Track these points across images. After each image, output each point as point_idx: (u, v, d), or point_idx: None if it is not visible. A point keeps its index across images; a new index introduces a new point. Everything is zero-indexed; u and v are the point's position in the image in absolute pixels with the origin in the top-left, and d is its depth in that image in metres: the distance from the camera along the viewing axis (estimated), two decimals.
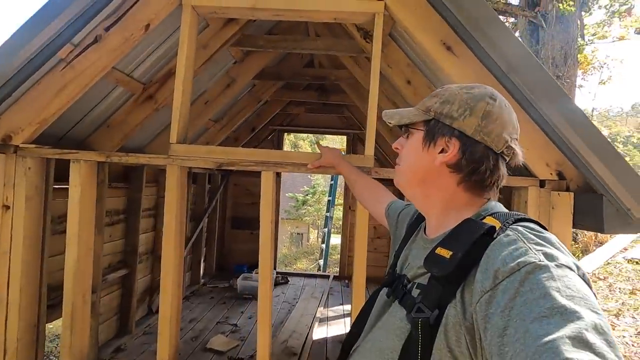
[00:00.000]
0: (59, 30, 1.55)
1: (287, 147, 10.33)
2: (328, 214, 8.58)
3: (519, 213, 0.59)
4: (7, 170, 1.69)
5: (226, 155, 1.69)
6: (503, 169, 0.65)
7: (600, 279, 4.88)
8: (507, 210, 0.63)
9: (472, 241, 0.54)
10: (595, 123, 1.45)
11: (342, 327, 3.59)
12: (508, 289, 0.46)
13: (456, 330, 0.52)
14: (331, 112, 5.14)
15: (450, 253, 0.55)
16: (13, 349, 1.69)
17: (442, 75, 1.76)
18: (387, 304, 0.69)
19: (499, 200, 0.68)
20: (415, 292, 0.61)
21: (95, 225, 1.90)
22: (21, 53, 1.53)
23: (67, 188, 1.74)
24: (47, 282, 1.91)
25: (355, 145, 5.41)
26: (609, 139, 1.44)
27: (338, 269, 5.64)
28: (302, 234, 16.14)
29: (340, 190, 9.67)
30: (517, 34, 6.46)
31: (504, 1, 6.96)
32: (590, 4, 7.17)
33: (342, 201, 5.79)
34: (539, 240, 0.51)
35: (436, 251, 0.57)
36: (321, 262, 8.36)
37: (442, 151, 0.65)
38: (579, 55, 6.42)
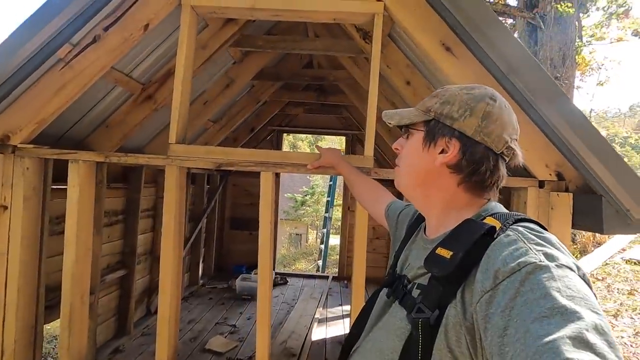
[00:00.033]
0: (57, 30, 1.54)
1: (285, 147, 10.34)
2: (327, 215, 8.58)
3: (519, 213, 0.59)
4: (5, 170, 1.69)
5: (225, 156, 1.69)
6: (503, 170, 0.65)
7: (598, 280, 4.89)
8: (507, 211, 0.63)
9: (473, 241, 0.54)
10: (593, 124, 1.45)
11: (341, 328, 3.59)
12: (508, 289, 0.46)
13: (456, 330, 0.52)
14: (330, 112, 5.14)
15: (451, 253, 0.55)
16: (10, 351, 1.68)
17: (441, 76, 1.77)
18: (388, 305, 0.69)
19: (499, 201, 0.68)
20: (416, 293, 0.61)
21: (93, 226, 1.89)
22: (20, 52, 1.53)
23: (66, 188, 1.73)
24: (45, 283, 1.90)
25: (354, 145, 5.42)
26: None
27: (337, 270, 5.64)
28: (300, 235, 16.13)
29: (339, 191, 9.67)
30: (515, 35, 6.47)
31: (502, 2, 6.98)
32: (588, 5, 7.20)
33: (341, 202, 5.78)
34: (539, 241, 0.51)
35: (436, 251, 0.57)
36: (320, 262, 8.35)
37: (442, 152, 0.65)
38: (577, 57, 6.44)
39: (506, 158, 0.65)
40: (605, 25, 7.63)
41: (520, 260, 0.47)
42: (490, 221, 0.57)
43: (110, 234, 2.89)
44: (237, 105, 3.91)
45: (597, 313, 0.42)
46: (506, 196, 1.74)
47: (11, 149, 1.69)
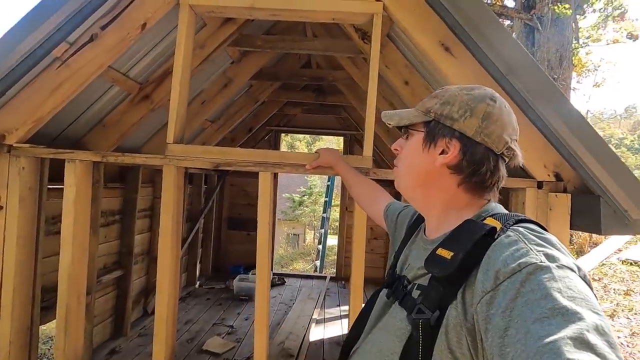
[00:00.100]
0: (54, 29, 1.53)
1: (283, 147, 10.32)
2: (325, 215, 8.58)
3: (519, 214, 0.59)
4: (1, 170, 1.67)
5: (223, 156, 1.68)
6: (503, 170, 0.65)
7: (595, 280, 4.91)
8: (507, 212, 0.63)
9: (473, 242, 0.54)
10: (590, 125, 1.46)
11: (339, 329, 3.59)
12: (509, 289, 0.46)
13: (457, 331, 0.52)
14: (328, 112, 5.14)
15: (451, 254, 0.55)
16: (5, 352, 1.66)
17: (440, 76, 1.77)
18: (387, 305, 0.68)
19: (498, 202, 0.68)
20: (416, 293, 0.61)
21: (90, 226, 1.88)
22: (16, 51, 1.52)
23: (62, 188, 1.72)
24: (41, 284, 1.89)
25: (352, 146, 5.42)
26: None
27: (335, 270, 5.63)
28: (298, 235, 16.11)
29: (337, 191, 9.67)
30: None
31: (500, 3, 7.01)
32: (584, 7, 7.25)
33: (339, 202, 5.78)
34: (539, 241, 0.51)
35: (437, 252, 0.57)
36: (318, 263, 8.35)
37: (442, 152, 0.65)
38: (573, 58, 6.48)
39: (506, 159, 0.65)
40: (602, 27, 7.69)
41: (521, 260, 0.47)
42: (490, 222, 0.57)
43: (107, 234, 2.88)
44: (235, 105, 3.90)
45: (597, 314, 0.42)
46: (504, 197, 1.75)
47: (7, 149, 1.68)
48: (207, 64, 2.58)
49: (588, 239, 6.37)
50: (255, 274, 1.73)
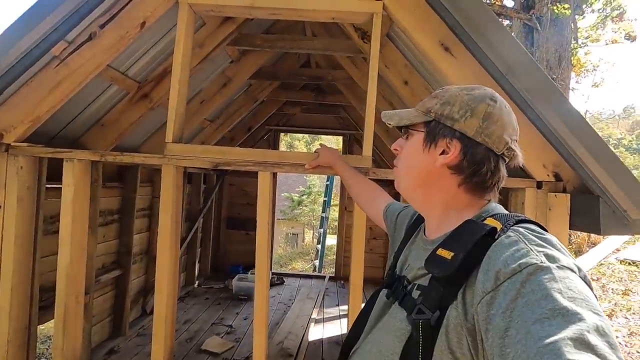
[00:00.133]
0: (52, 27, 1.52)
1: (282, 147, 10.31)
2: (324, 215, 8.59)
3: (519, 214, 0.59)
4: None
5: (223, 155, 1.68)
6: (503, 171, 0.65)
7: (593, 280, 4.92)
8: (507, 212, 0.63)
9: (474, 242, 0.54)
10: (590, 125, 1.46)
11: (338, 328, 3.59)
12: (509, 290, 0.46)
13: (457, 331, 0.52)
14: (327, 112, 5.14)
15: (452, 254, 0.55)
16: (3, 352, 1.66)
17: (440, 76, 1.77)
18: (387, 305, 0.68)
19: (498, 202, 0.68)
20: (416, 294, 0.61)
21: (88, 226, 1.87)
22: (14, 49, 1.51)
23: (60, 187, 1.71)
24: (39, 284, 1.88)
25: (351, 145, 5.42)
26: None
27: (334, 270, 5.63)
28: (297, 235, 16.11)
29: (336, 191, 9.67)
30: None
31: (499, 3, 7.02)
32: (583, 7, 7.26)
33: (338, 202, 5.78)
34: (540, 242, 0.51)
35: (437, 252, 0.57)
36: (317, 262, 8.35)
37: (443, 152, 0.65)
38: (572, 58, 6.49)
39: (506, 159, 0.65)
40: (601, 27, 7.70)
41: (521, 261, 0.47)
42: (490, 222, 0.57)
43: (106, 234, 2.87)
44: (234, 104, 3.89)
45: (598, 314, 0.42)
46: (504, 197, 1.75)
47: (5, 148, 1.67)
48: (206, 63, 2.57)
49: (586, 238, 6.38)
50: (254, 273, 1.73)
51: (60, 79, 1.63)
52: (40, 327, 2.29)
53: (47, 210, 1.99)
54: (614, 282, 4.81)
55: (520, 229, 0.54)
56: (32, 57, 1.54)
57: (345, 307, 4.03)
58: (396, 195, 1.09)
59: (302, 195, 15.44)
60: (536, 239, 0.51)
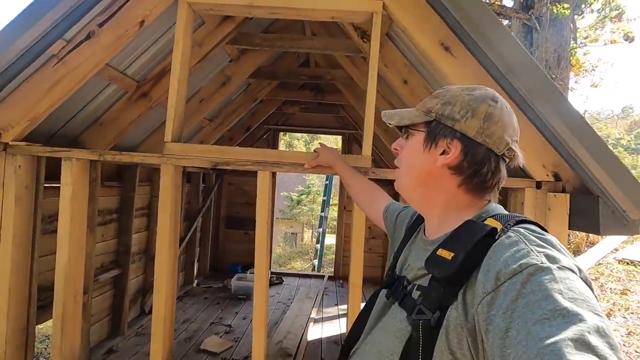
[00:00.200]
0: (51, 26, 1.51)
1: (281, 146, 10.30)
2: (323, 214, 8.59)
3: (519, 215, 0.59)
4: None
5: (222, 155, 1.68)
6: (503, 171, 0.65)
7: (591, 279, 4.93)
8: (507, 212, 0.62)
9: (474, 242, 0.54)
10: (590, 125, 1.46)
11: (337, 328, 3.59)
12: (510, 290, 0.46)
13: (458, 332, 0.52)
14: (326, 111, 5.13)
15: (452, 254, 0.55)
16: (1, 353, 1.65)
17: (440, 75, 1.76)
18: (387, 306, 0.68)
19: (497, 202, 0.68)
20: (416, 294, 0.61)
21: (87, 225, 1.87)
22: (12, 48, 1.50)
23: (59, 187, 1.71)
24: (38, 283, 1.88)
25: (350, 145, 5.42)
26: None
27: (333, 269, 5.63)
28: (296, 234, 16.10)
29: (335, 190, 9.67)
30: None
31: (498, 3, 7.02)
32: (582, 7, 7.27)
33: (337, 201, 5.78)
34: (540, 242, 0.51)
35: (437, 252, 0.57)
36: (316, 262, 8.35)
37: (443, 153, 0.65)
38: (571, 58, 6.50)
39: (507, 159, 0.65)
40: (600, 27, 7.71)
41: (521, 261, 0.47)
42: (491, 222, 0.57)
43: (104, 233, 2.86)
44: (233, 103, 3.89)
45: (598, 315, 0.42)
46: (503, 197, 1.75)
47: (3, 147, 1.66)
48: (205, 62, 2.56)
49: (585, 238, 6.40)
50: (253, 273, 1.72)
51: (59, 77, 1.62)
52: (39, 326, 2.28)
53: (45, 209, 1.98)
54: (612, 282, 4.83)
55: (521, 230, 0.53)
56: (30, 56, 1.53)
57: (345, 306, 4.03)
58: (395, 195, 1.08)
59: (301, 194, 15.43)
60: (536, 240, 0.51)
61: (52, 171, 1.83)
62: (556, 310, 0.41)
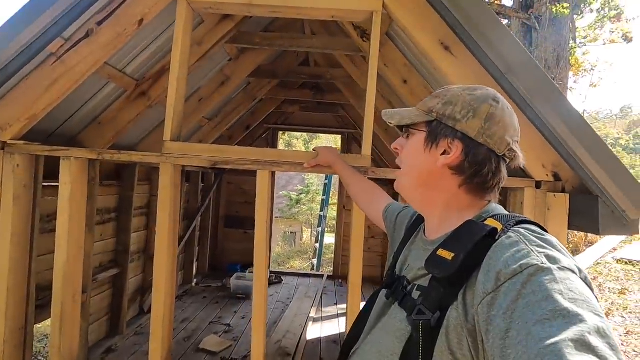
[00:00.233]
0: (49, 24, 1.51)
1: (280, 145, 10.30)
2: (322, 213, 8.59)
3: (519, 215, 0.59)
4: None
5: (221, 154, 1.67)
6: (504, 172, 0.65)
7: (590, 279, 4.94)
8: (508, 213, 0.62)
9: (474, 243, 0.53)
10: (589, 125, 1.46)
11: (336, 327, 3.59)
12: (510, 291, 0.46)
13: (458, 332, 0.52)
14: (326, 111, 5.13)
15: (452, 255, 0.54)
16: None
17: (439, 75, 1.76)
18: (387, 306, 0.68)
19: (497, 202, 0.68)
20: (416, 294, 0.61)
21: (85, 224, 1.86)
22: (10, 46, 1.49)
23: (57, 186, 1.70)
24: (36, 282, 1.87)
25: (349, 144, 5.41)
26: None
27: (332, 269, 5.64)
28: (295, 233, 16.10)
29: (334, 190, 9.68)
30: None
31: (498, 3, 7.02)
32: (582, 7, 7.27)
33: (336, 200, 5.78)
34: (541, 243, 0.51)
35: (438, 253, 0.57)
36: (315, 261, 8.36)
37: (444, 153, 0.64)
38: (570, 58, 6.50)
39: (507, 160, 0.65)
40: (599, 27, 7.71)
41: (522, 262, 0.47)
42: (491, 223, 0.57)
43: (103, 232, 2.86)
44: (233, 102, 3.88)
45: (599, 316, 0.42)
46: (502, 196, 1.75)
47: (1, 145, 1.66)
48: (205, 61, 2.56)
49: (584, 238, 6.42)
50: (252, 272, 1.72)
51: (57, 76, 1.61)
52: (37, 325, 2.28)
53: (43, 208, 1.98)
54: (610, 281, 4.84)
55: (521, 230, 0.53)
56: (29, 54, 1.52)
57: (344, 305, 4.03)
58: (395, 195, 1.08)
59: (301, 193, 15.43)
60: (537, 240, 0.51)
61: (51, 170, 1.83)
62: (557, 311, 0.41)
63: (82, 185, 1.76)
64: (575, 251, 6.27)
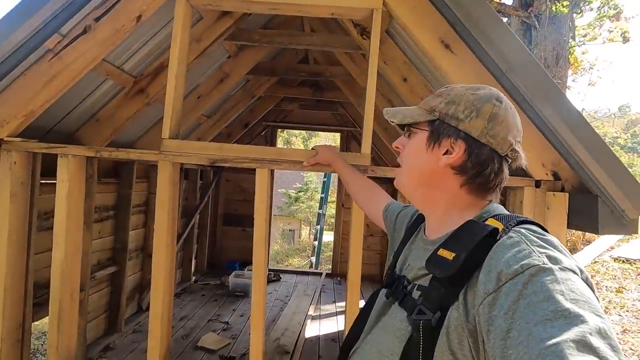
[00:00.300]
0: (46, 20, 1.49)
1: (279, 143, 10.28)
2: (320, 211, 8.60)
3: (520, 215, 0.59)
4: None
5: (220, 152, 1.66)
6: (506, 172, 0.65)
7: None
8: (508, 212, 0.62)
9: (475, 243, 0.53)
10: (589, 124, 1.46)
11: (334, 325, 3.60)
12: (511, 291, 0.46)
13: (458, 332, 0.51)
14: (325, 109, 5.12)
15: (453, 255, 0.54)
16: None
17: (440, 73, 1.75)
18: (387, 305, 0.68)
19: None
20: (416, 294, 0.60)
21: (83, 222, 1.85)
22: (6, 42, 1.48)
23: (55, 183, 1.69)
24: (34, 280, 1.86)
25: (349, 142, 5.41)
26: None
27: (330, 267, 5.64)
28: (294, 231, 16.11)
29: (333, 188, 9.68)
30: None
31: (497, 1, 7.00)
32: (581, 5, 7.26)
33: (335, 198, 5.78)
34: (542, 243, 0.50)
35: (438, 252, 0.57)
36: (313, 259, 8.37)
37: (446, 152, 0.64)
38: (569, 57, 6.50)
39: (510, 160, 0.65)
40: (598, 25, 7.71)
41: (523, 262, 0.47)
42: (492, 223, 0.57)
43: (101, 230, 2.85)
44: (232, 100, 3.87)
45: (600, 316, 0.42)
46: (502, 195, 1.75)
47: None
48: (203, 58, 2.54)
49: (581, 236, 6.44)
50: (250, 270, 1.72)
51: (55, 72, 1.60)
52: (35, 323, 2.27)
53: (41, 206, 1.97)
54: (608, 280, 4.86)
55: (522, 230, 0.53)
56: (26, 50, 1.51)
57: (342, 303, 4.04)
58: (394, 194, 1.08)
59: (299, 191, 15.43)
60: (538, 240, 0.51)
61: (48, 167, 1.81)
62: (558, 311, 0.41)
63: (80, 182, 1.76)
64: (573, 249, 6.30)
